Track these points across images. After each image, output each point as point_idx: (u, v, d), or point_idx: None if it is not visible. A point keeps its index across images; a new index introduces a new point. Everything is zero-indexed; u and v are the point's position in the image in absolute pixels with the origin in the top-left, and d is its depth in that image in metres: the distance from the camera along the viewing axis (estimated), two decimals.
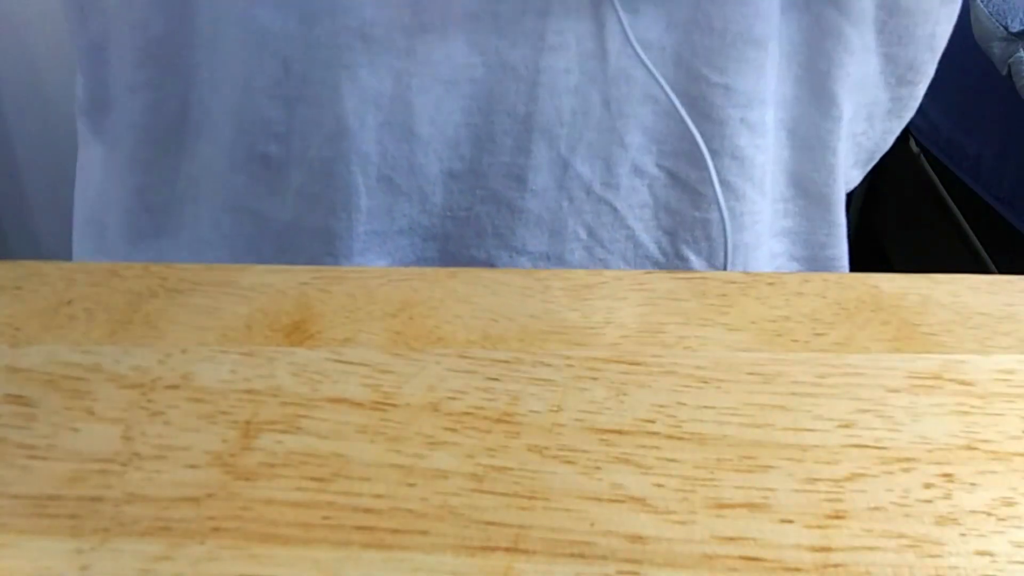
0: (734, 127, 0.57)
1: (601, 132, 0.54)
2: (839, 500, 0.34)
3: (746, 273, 0.47)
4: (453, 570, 0.31)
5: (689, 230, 0.58)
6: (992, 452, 0.36)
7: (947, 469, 0.35)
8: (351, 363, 0.39)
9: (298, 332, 0.41)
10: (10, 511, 0.33)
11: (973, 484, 0.35)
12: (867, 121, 0.60)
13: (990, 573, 0.32)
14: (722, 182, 0.56)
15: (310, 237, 0.55)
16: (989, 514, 0.34)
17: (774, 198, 0.61)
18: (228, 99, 0.53)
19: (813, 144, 0.59)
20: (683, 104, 0.52)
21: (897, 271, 0.47)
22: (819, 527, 0.33)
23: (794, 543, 0.33)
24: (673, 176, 0.56)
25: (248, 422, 0.36)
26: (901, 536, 0.33)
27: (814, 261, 0.63)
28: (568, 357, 0.40)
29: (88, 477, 0.35)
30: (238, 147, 0.54)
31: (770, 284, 0.46)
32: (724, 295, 0.45)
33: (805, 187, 0.60)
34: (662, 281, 0.45)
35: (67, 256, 0.65)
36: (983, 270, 1.21)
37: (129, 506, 0.34)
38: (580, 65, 0.52)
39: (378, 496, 0.34)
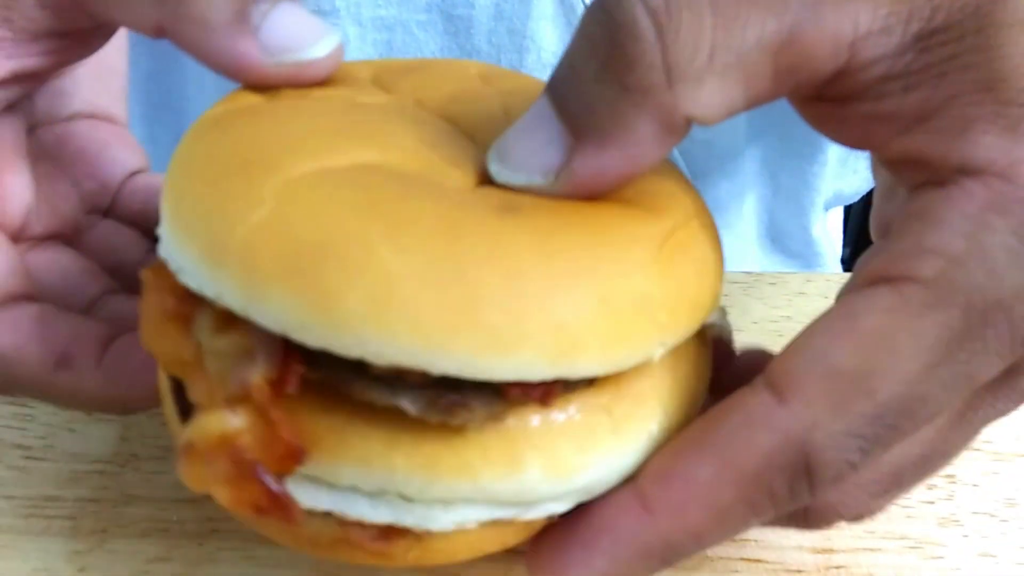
0: (715, 179, 0.57)
1: None
2: None
3: (748, 273, 0.47)
4: (453, 572, 0.31)
5: None
6: (995, 453, 0.36)
7: (949, 470, 0.35)
8: None
9: None
10: (8, 512, 0.33)
11: (976, 485, 0.35)
12: (847, 165, 0.60)
13: (992, 574, 0.32)
14: None
15: None
16: (992, 515, 0.34)
17: (751, 241, 0.60)
18: None
19: (799, 189, 0.59)
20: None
21: None
22: None
23: (796, 544, 0.33)
24: None
25: None
26: (903, 537, 0.33)
27: None
28: None
29: (86, 478, 0.34)
30: None
31: (772, 284, 0.46)
32: (726, 295, 0.45)
33: (787, 229, 0.60)
34: None
35: None
36: None
37: (127, 507, 0.33)
38: None
39: None
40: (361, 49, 0.51)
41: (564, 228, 0.22)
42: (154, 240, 0.35)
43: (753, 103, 0.23)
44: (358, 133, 0.24)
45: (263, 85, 0.26)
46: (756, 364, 0.31)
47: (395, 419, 0.22)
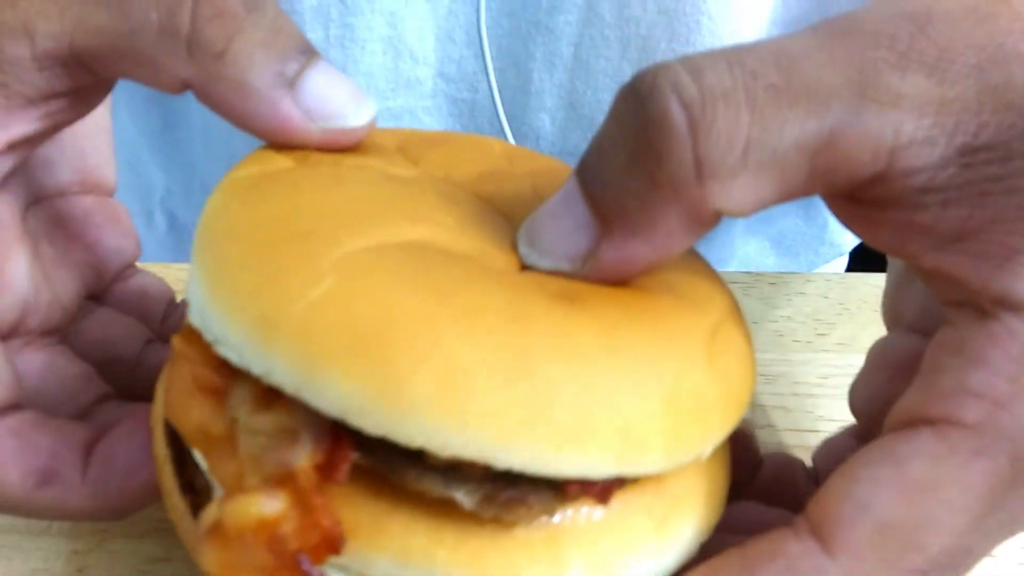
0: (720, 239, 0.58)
1: None
2: None
3: (748, 273, 0.47)
4: None
5: None
6: None
7: None
8: None
9: None
10: None
11: None
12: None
13: (992, 574, 0.32)
14: None
15: None
16: None
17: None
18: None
19: (798, 250, 0.60)
20: None
21: None
22: None
23: None
24: None
25: None
26: None
27: None
28: None
29: None
30: None
31: (772, 284, 0.46)
32: None
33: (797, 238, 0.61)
34: None
35: None
36: None
37: None
38: None
39: None
40: None
41: (625, 320, 0.22)
42: (154, 332, 0.34)
43: (786, 198, 0.22)
44: (403, 208, 0.24)
45: (301, 146, 0.26)
46: (783, 474, 0.30)
47: (439, 511, 0.21)
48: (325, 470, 0.20)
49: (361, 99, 0.26)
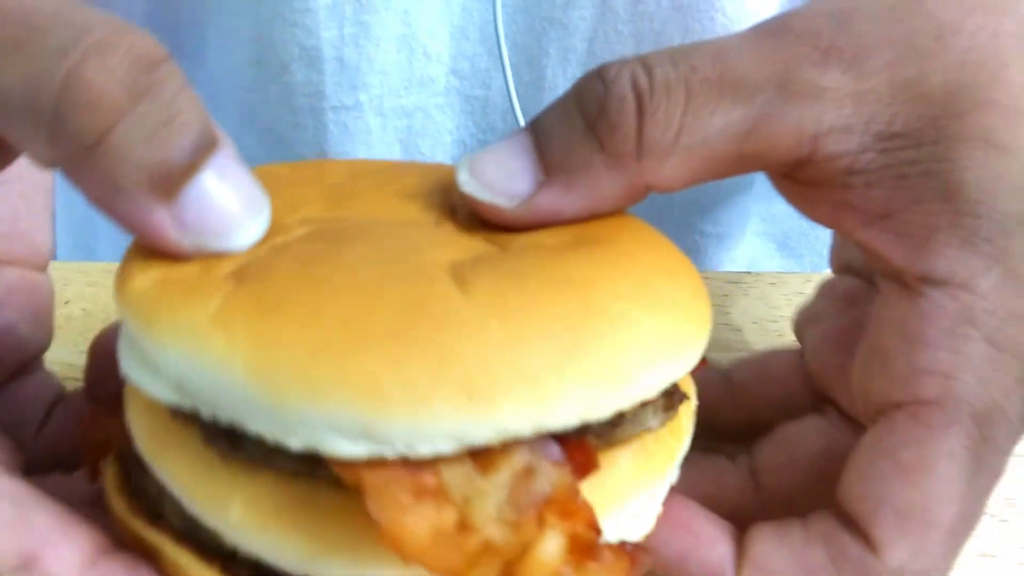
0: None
1: None
2: None
3: (748, 273, 0.47)
4: None
5: None
6: None
7: None
8: None
9: None
10: None
11: None
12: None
13: (993, 574, 0.32)
14: None
15: None
16: (992, 515, 0.34)
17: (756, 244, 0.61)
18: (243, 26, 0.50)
19: (802, 252, 0.60)
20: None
21: None
22: None
23: None
24: None
25: None
26: None
27: None
28: None
29: None
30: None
31: (772, 284, 0.46)
32: (726, 295, 0.45)
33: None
34: None
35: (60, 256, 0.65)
36: None
37: None
38: None
39: None
40: (382, 138, 0.52)
41: (650, 259, 0.26)
42: (27, 440, 0.30)
43: (718, 176, 0.26)
44: (401, 249, 0.24)
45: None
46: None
47: (612, 450, 0.24)
48: (580, 470, 0.22)
49: (253, 212, 0.23)
